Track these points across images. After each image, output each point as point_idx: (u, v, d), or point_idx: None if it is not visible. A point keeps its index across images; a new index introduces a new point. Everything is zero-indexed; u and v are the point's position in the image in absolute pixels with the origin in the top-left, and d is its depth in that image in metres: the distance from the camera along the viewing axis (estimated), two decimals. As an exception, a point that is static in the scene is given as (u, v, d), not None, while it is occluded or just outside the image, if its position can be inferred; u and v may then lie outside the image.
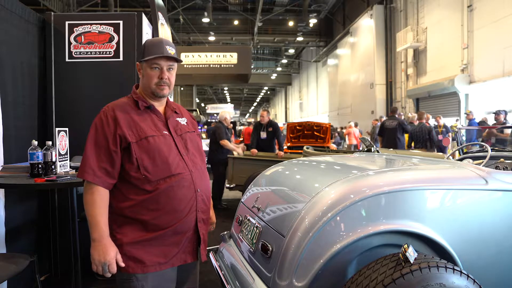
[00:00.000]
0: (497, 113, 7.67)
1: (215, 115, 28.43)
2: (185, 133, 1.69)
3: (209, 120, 22.89)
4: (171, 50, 1.61)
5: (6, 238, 2.56)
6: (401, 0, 18.27)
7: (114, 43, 3.28)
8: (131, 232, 1.53)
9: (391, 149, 7.15)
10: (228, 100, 52.63)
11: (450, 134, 9.58)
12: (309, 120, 16.52)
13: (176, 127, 1.67)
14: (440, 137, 8.73)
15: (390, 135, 8.13)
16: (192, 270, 1.75)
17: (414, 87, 17.03)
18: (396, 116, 8.48)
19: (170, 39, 4.80)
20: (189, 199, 1.58)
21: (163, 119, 1.65)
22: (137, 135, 1.54)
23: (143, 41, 2.37)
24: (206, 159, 6.97)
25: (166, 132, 1.61)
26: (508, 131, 7.12)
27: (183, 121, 1.73)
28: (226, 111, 6.65)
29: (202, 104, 46.94)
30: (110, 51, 3.28)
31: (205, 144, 11.38)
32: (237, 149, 6.01)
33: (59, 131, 2.61)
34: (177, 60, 1.64)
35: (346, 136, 14.30)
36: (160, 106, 1.68)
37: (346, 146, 15.33)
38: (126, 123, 1.54)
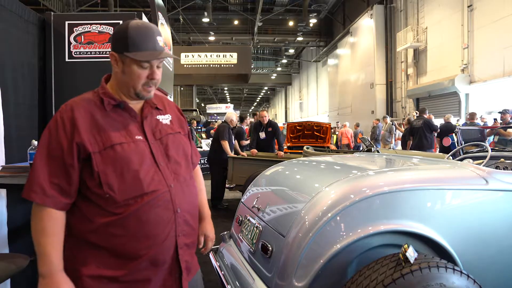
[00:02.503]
0: (503, 112, 7.61)
1: (215, 115, 28.52)
2: (167, 135, 1.35)
3: (209, 120, 22.90)
4: (161, 41, 1.31)
5: (8, 238, 2.56)
6: (401, 0, 18.27)
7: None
8: (93, 262, 1.21)
9: (396, 150, 7.17)
10: (228, 100, 52.65)
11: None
12: (309, 120, 16.53)
13: (155, 129, 1.33)
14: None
15: (417, 135, 8.14)
16: None
17: (414, 87, 17.03)
18: (424, 115, 8.47)
19: (170, 39, 4.80)
20: (166, 222, 1.26)
21: (138, 120, 1.31)
22: (100, 143, 1.21)
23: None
24: (206, 158, 6.96)
25: (139, 137, 1.27)
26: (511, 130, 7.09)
27: (165, 119, 1.39)
28: (232, 112, 6.69)
29: (202, 104, 46.95)
30: (110, 51, 3.28)
31: (205, 144, 11.40)
32: (231, 154, 6.02)
33: (59, 131, 2.60)
34: (170, 56, 1.37)
35: (340, 136, 14.49)
36: (136, 102, 1.33)
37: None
38: (87, 128, 1.21)
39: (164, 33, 4.20)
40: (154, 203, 1.24)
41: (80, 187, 1.22)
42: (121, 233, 1.21)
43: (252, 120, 8.07)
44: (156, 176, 1.26)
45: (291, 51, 35.38)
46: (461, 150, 3.33)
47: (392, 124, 11.74)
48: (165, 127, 1.37)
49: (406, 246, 1.49)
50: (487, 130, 7.74)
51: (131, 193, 1.21)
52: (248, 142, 7.33)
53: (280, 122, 28.59)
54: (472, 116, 8.75)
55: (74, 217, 1.23)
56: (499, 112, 7.84)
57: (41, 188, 1.16)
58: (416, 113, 10.84)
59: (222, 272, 2.10)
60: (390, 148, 10.74)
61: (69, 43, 3.25)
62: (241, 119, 8.29)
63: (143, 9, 20.12)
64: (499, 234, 1.86)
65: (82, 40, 3.27)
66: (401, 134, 11.56)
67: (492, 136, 7.53)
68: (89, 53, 3.27)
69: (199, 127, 16.36)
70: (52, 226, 1.17)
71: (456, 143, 3.30)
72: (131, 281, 1.23)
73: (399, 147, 11.32)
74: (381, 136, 11.98)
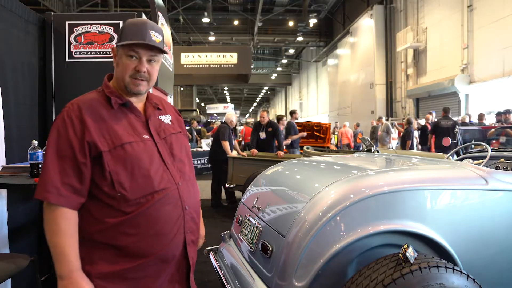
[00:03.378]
0: (507, 112, 7.57)
1: (215, 115, 28.56)
2: (170, 135, 1.38)
3: (209, 120, 22.91)
4: (157, 37, 1.30)
5: (9, 238, 2.57)
6: (401, 0, 18.28)
7: (114, 43, 3.28)
8: (102, 261, 1.21)
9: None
10: (228, 100, 52.65)
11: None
12: (309, 120, 16.53)
13: (159, 129, 1.36)
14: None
15: (445, 135, 8.13)
16: None
17: (414, 87, 17.03)
18: (449, 115, 8.53)
19: (170, 39, 4.80)
20: (176, 220, 1.28)
21: (143, 119, 1.33)
22: (110, 142, 1.22)
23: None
24: (208, 158, 6.94)
25: (147, 137, 1.29)
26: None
27: (166, 119, 1.42)
28: (232, 113, 6.70)
29: (202, 104, 46.96)
30: (110, 51, 3.28)
31: (205, 144, 11.41)
32: (231, 154, 6.02)
33: (59, 131, 2.60)
34: (162, 50, 1.33)
35: (340, 136, 14.54)
36: (139, 102, 1.36)
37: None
38: (96, 127, 1.22)
39: (164, 33, 4.20)
40: (164, 201, 1.26)
41: (89, 187, 1.23)
42: (132, 232, 1.22)
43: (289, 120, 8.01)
44: (165, 175, 1.28)
45: (291, 51, 35.37)
46: (461, 150, 3.33)
47: (391, 124, 11.75)
48: (168, 126, 1.40)
49: (406, 246, 1.49)
50: (491, 130, 7.73)
51: (142, 191, 1.23)
52: (286, 141, 7.32)
53: (280, 122, 28.51)
54: (480, 117, 8.87)
55: (82, 218, 1.22)
56: (503, 112, 7.79)
57: (55, 188, 1.16)
58: (410, 117, 10.95)
59: (222, 272, 2.10)
60: (389, 149, 10.76)
61: (69, 43, 3.26)
62: (278, 119, 8.20)
63: (143, 9, 20.13)
64: (499, 234, 1.86)
65: (82, 40, 3.27)
66: (395, 134, 11.61)
67: (494, 136, 7.53)
68: (89, 53, 3.28)
69: (199, 127, 16.37)
70: (68, 225, 1.17)
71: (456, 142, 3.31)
72: (140, 277, 1.24)
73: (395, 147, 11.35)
74: (378, 137, 11.97)
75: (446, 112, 8.57)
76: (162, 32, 1.35)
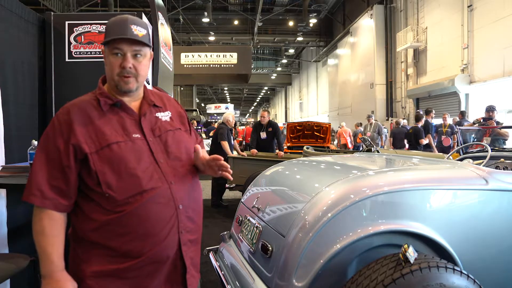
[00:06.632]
0: (490, 110, 7.50)
1: (215, 115, 28.60)
2: (166, 132, 1.35)
3: (209, 120, 22.94)
4: (139, 31, 1.27)
5: (8, 238, 2.56)
6: (401, 0, 18.28)
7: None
8: (96, 260, 1.23)
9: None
10: (228, 100, 52.66)
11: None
12: (309, 120, 16.52)
13: (154, 126, 1.33)
14: (443, 137, 8.73)
15: None
16: None
17: (414, 87, 17.03)
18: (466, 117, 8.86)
19: (170, 39, 4.80)
20: (168, 219, 1.26)
21: (136, 118, 1.31)
22: (97, 143, 1.22)
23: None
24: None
25: (137, 135, 1.28)
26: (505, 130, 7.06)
27: (165, 116, 1.38)
28: (229, 113, 6.71)
29: (202, 104, 46.97)
30: (110, 51, 3.28)
31: (205, 144, 11.43)
32: (231, 154, 6.03)
33: (59, 131, 2.60)
34: (144, 43, 1.29)
35: (339, 136, 14.53)
36: (134, 101, 1.34)
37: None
38: (82, 129, 1.22)
39: (164, 33, 4.19)
40: (154, 200, 1.24)
41: (81, 187, 1.24)
42: (123, 231, 1.21)
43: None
44: (155, 174, 1.26)
45: (291, 51, 35.37)
46: (461, 150, 3.33)
47: (384, 124, 11.76)
48: (165, 124, 1.37)
49: (406, 246, 1.49)
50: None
51: (130, 191, 1.21)
52: (425, 141, 7.16)
53: (280, 122, 28.62)
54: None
55: (77, 217, 1.26)
56: (487, 110, 7.70)
57: (40, 191, 1.18)
58: (399, 119, 11.05)
59: (222, 272, 2.10)
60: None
61: (69, 43, 3.26)
62: (417, 118, 7.62)
63: (143, 9, 20.14)
64: (499, 234, 1.86)
65: (82, 40, 3.27)
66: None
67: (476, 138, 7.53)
68: (89, 53, 3.27)
69: (199, 127, 16.38)
70: (52, 227, 1.19)
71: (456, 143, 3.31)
72: (135, 277, 1.24)
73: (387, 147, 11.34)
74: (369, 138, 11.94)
75: (463, 115, 8.91)
76: (145, 26, 1.32)
